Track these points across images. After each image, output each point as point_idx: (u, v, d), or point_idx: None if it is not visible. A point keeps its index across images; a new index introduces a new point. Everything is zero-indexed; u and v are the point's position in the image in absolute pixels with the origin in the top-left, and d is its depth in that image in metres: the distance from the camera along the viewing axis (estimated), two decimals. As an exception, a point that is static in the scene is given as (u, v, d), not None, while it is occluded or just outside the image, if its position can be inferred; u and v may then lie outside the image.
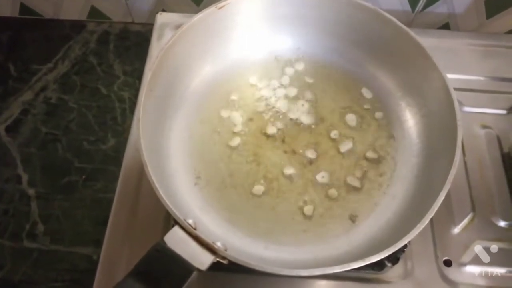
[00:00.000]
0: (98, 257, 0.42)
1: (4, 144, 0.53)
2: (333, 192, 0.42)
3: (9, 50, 0.60)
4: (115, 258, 0.41)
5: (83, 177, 0.51)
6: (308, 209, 0.41)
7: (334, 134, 0.45)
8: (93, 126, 0.54)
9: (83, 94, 0.57)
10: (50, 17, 0.63)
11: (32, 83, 0.57)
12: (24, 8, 0.61)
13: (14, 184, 0.50)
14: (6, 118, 0.55)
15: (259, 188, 0.42)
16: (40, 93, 0.57)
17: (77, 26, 0.62)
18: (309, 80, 0.48)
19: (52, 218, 0.48)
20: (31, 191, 0.50)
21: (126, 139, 0.49)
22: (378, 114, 0.46)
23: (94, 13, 0.61)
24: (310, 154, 0.44)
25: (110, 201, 0.45)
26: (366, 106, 0.47)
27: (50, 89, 0.57)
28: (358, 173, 0.43)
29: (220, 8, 0.43)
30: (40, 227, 0.48)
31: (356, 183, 0.43)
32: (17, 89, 0.57)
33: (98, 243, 0.46)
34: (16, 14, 0.62)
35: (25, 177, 0.51)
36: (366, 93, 0.47)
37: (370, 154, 0.44)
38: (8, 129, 0.54)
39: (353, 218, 0.41)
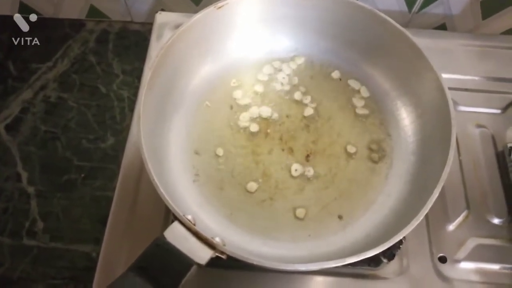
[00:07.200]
0: (97, 255, 0.42)
1: (4, 142, 0.53)
2: (330, 190, 0.43)
3: (9, 49, 0.60)
4: (114, 255, 0.42)
5: (82, 175, 0.51)
6: (304, 207, 0.42)
7: (331, 133, 0.46)
8: (92, 124, 0.55)
9: (82, 93, 0.57)
10: (49, 16, 0.63)
11: (32, 81, 0.58)
12: (23, 7, 0.61)
13: (14, 182, 0.51)
14: (6, 116, 0.55)
15: (257, 186, 0.42)
16: (40, 91, 0.57)
17: (77, 25, 0.62)
18: (307, 79, 0.49)
19: (52, 216, 0.49)
20: (30, 189, 0.50)
21: (125, 138, 0.49)
22: (374, 114, 0.47)
23: (94, 12, 0.62)
24: (308, 152, 0.45)
25: (109, 199, 0.45)
26: (361, 105, 0.47)
27: (50, 87, 0.57)
28: (355, 171, 0.44)
29: (219, 8, 0.43)
30: (40, 225, 0.48)
31: (353, 181, 0.43)
32: (16, 87, 0.57)
33: (97, 241, 0.46)
34: (15, 13, 0.62)
35: (24, 175, 0.51)
36: (363, 92, 0.48)
37: (366, 153, 0.45)
38: (8, 128, 0.54)
39: (340, 216, 0.41)
